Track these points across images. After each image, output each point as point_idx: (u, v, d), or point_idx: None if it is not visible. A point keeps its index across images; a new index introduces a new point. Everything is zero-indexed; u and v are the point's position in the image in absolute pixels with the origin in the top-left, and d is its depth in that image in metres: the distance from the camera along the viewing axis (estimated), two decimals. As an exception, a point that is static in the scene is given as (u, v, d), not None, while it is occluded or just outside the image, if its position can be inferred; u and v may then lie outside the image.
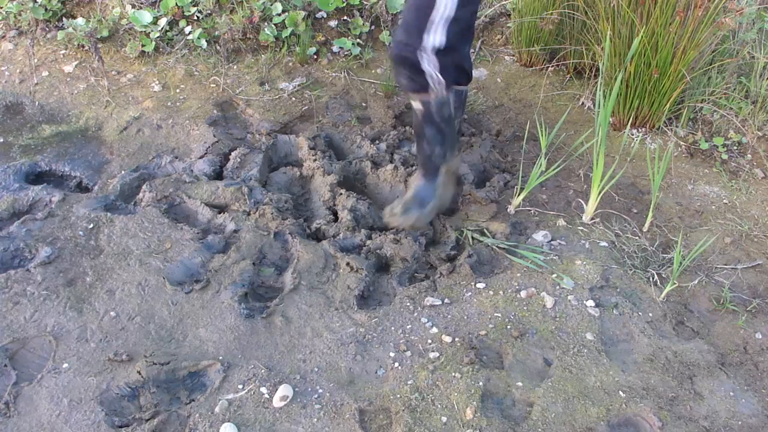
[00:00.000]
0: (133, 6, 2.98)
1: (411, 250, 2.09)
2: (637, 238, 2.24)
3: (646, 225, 2.28)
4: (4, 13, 2.95)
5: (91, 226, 2.10)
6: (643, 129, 2.73)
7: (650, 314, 1.98)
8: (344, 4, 3.06)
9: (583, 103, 2.88)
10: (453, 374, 1.74)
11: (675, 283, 2.02)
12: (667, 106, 2.62)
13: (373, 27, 3.12)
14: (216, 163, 2.45)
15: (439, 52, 1.88)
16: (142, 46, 2.89)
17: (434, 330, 1.87)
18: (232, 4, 2.99)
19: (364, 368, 1.77)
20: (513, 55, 3.15)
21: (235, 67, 2.91)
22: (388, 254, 2.10)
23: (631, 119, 2.69)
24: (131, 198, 2.29)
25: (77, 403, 1.62)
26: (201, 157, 2.46)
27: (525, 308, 1.95)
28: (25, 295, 1.85)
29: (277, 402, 1.65)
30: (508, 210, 2.30)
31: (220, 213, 2.23)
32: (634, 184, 2.49)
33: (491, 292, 1.99)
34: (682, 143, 2.67)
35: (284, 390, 1.67)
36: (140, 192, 2.27)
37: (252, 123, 2.68)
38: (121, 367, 1.71)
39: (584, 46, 2.81)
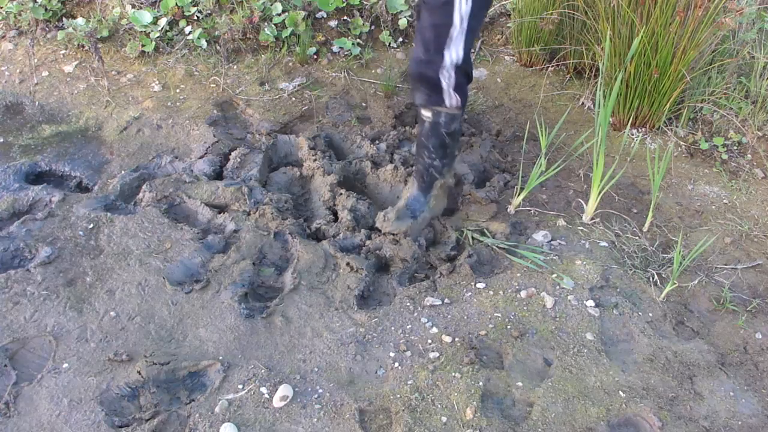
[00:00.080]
0: (133, 6, 2.98)
1: (411, 251, 2.09)
2: (637, 238, 2.24)
3: (646, 225, 2.28)
4: (4, 13, 2.95)
5: (91, 226, 2.10)
6: (643, 129, 2.73)
7: (650, 314, 1.98)
8: (344, 4, 3.06)
9: (583, 103, 2.88)
10: (453, 374, 1.74)
11: (675, 283, 2.02)
12: (667, 106, 2.62)
13: (373, 27, 3.12)
14: (216, 163, 2.45)
15: (457, 67, 1.92)
16: (142, 46, 2.88)
17: (434, 330, 1.87)
18: (232, 4, 2.99)
19: (364, 368, 1.77)
20: (513, 55, 3.15)
21: (235, 67, 2.91)
22: (388, 254, 2.10)
23: (631, 119, 2.69)
24: (131, 198, 2.29)
25: (77, 403, 1.62)
26: (201, 157, 2.46)
27: (525, 308, 1.95)
28: (25, 295, 1.85)
29: (277, 402, 1.65)
30: (508, 210, 2.30)
31: (220, 213, 2.23)
32: (634, 184, 2.49)
33: (491, 292, 1.99)
34: (682, 143, 2.67)
35: (284, 390, 1.67)
36: (140, 192, 2.27)
37: (252, 123, 2.68)
38: (121, 367, 1.71)
39: (584, 46, 2.81)
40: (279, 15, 2.97)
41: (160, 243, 2.06)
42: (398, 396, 1.68)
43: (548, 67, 2.99)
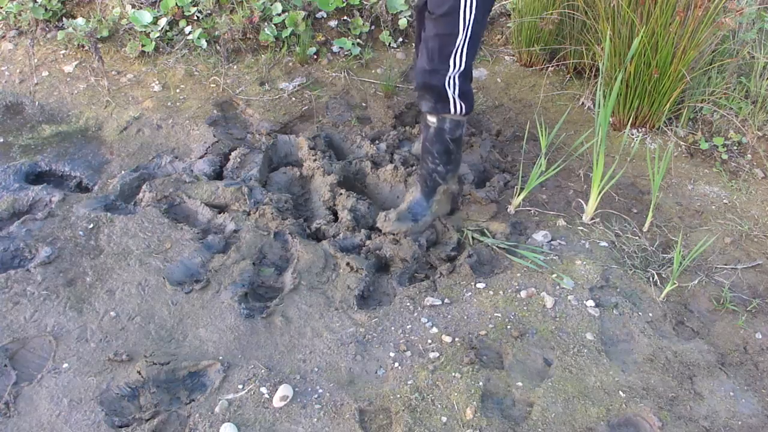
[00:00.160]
0: (133, 6, 2.98)
1: (411, 251, 2.09)
2: (637, 238, 2.24)
3: (646, 225, 2.28)
4: (4, 13, 2.95)
5: (91, 226, 2.10)
6: (643, 129, 2.73)
7: (650, 314, 1.98)
8: (344, 4, 3.06)
9: (583, 103, 2.88)
10: (453, 374, 1.74)
11: (675, 283, 2.02)
12: (667, 106, 2.62)
13: (373, 27, 3.12)
14: (216, 163, 2.45)
15: (461, 74, 1.94)
16: (142, 46, 2.88)
17: (434, 330, 1.87)
18: (232, 4, 2.99)
19: (364, 368, 1.77)
20: (513, 55, 3.15)
21: (235, 67, 2.91)
22: (388, 254, 2.10)
23: (631, 119, 2.69)
24: (131, 198, 2.29)
25: (77, 403, 1.62)
26: (201, 157, 2.46)
27: (525, 308, 1.95)
28: (25, 295, 1.85)
29: (277, 402, 1.65)
30: (508, 210, 2.30)
31: (220, 213, 2.23)
32: (634, 184, 2.49)
33: (491, 292, 1.99)
34: (682, 143, 2.67)
35: (284, 390, 1.67)
36: (140, 192, 2.27)
37: (252, 123, 2.68)
38: (121, 367, 1.71)
39: (584, 46, 2.81)
40: (279, 15, 2.97)
41: (160, 243, 2.06)
42: (398, 396, 1.68)
43: (548, 67, 2.99)
